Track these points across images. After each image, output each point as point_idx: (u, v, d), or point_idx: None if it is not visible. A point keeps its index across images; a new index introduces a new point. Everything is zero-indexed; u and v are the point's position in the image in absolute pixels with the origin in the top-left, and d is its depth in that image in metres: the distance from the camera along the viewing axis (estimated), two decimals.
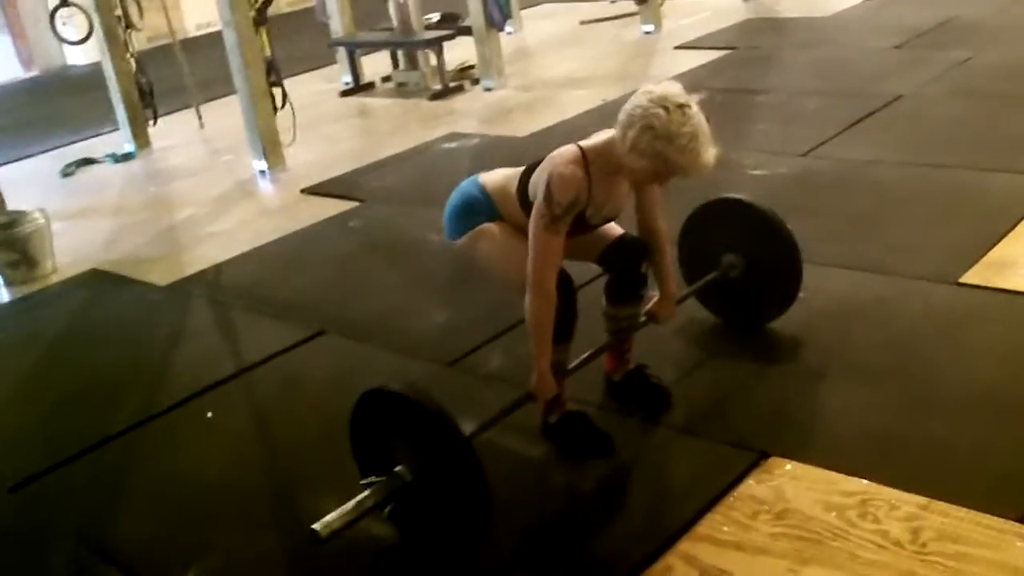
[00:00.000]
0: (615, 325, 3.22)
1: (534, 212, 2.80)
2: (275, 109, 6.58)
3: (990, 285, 3.76)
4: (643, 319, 3.23)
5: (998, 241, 4.08)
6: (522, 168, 2.99)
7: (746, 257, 3.54)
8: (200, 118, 7.96)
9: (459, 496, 2.58)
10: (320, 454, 3.30)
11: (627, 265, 3.11)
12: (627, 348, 3.30)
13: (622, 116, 2.74)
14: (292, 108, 6.61)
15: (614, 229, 3.11)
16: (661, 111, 2.66)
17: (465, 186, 3.13)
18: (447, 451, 2.55)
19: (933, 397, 3.16)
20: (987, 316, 3.60)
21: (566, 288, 2.90)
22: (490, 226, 3.03)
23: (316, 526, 2.52)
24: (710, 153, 2.72)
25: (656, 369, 3.36)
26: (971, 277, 3.83)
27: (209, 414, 3.70)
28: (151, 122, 7.52)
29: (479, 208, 3.05)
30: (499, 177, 3.07)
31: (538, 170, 2.87)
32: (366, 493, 2.63)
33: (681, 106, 2.68)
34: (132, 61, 7.37)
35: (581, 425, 3.10)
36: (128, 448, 3.58)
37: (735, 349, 3.60)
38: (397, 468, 2.65)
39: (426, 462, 2.61)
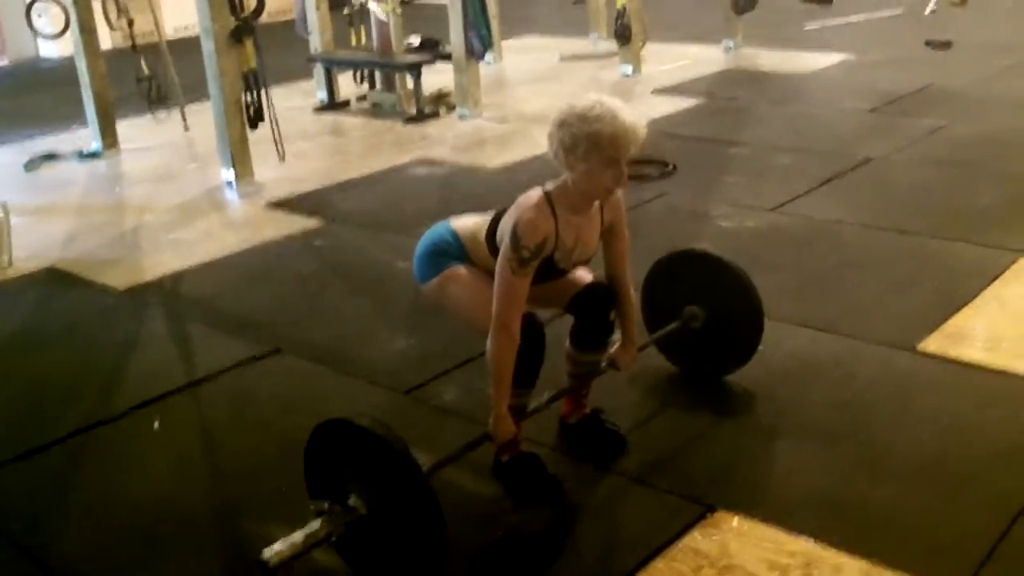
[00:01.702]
0: (578, 370, 3.22)
1: (501, 255, 2.79)
2: (257, 121, 6.50)
3: (946, 355, 3.80)
4: (604, 364, 3.22)
5: (957, 311, 4.12)
6: (492, 214, 2.97)
7: (708, 310, 3.54)
8: (185, 120, 7.87)
9: (414, 534, 2.54)
10: (267, 475, 3.26)
11: (596, 312, 3.10)
12: (584, 392, 3.29)
13: (550, 150, 2.81)
14: (276, 124, 6.52)
15: (583, 276, 3.10)
16: (566, 109, 2.75)
17: (436, 229, 3.12)
18: (406, 488, 2.51)
19: (883, 462, 3.17)
20: (941, 386, 3.62)
21: (536, 334, 2.88)
22: (459, 269, 3.02)
23: (266, 554, 2.47)
24: (631, 116, 2.73)
25: (611, 415, 3.34)
26: (928, 345, 3.86)
27: (156, 424, 3.64)
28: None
29: (449, 251, 3.04)
30: (470, 223, 3.07)
31: (505, 216, 2.86)
32: (317, 524, 2.58)
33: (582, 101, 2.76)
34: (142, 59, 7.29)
35: (532, 467, 3.07)
36: (72, 454, 3.51)
37: (691, 400, 3.60)
38: (351, 500, 2.61)
39: (383, 497, 2.58)
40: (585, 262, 3.04)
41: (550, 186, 2.86)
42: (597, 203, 2.93)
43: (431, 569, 2.58)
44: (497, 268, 2.79)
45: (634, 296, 3.20)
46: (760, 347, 3.58)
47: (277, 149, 6.55)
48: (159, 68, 7.75)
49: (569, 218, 2.85)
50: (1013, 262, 4.56)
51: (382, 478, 2.57)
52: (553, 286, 3.01)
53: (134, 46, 7.42)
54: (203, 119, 7.88)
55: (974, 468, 3.11)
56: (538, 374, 2.97)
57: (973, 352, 3.81)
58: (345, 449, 2.65)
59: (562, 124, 2.75)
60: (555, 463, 3.17)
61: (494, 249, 2.88)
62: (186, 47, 8.97)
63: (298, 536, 2.53)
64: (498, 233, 2.88)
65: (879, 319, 4.13)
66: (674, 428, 3.45)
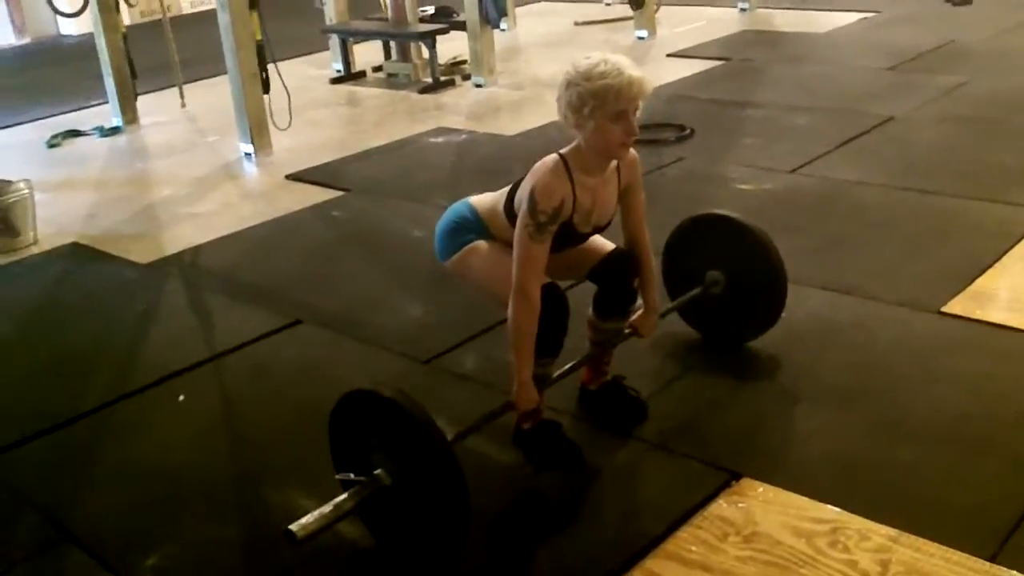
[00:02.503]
0: (600, 337, 3.21)
1: (519, 222, 2.78)
2: (264, 91, 6.51)
3: (971, 316, 3.77)
4: (627, 332, 3.22)
5: (982, 272, 4.09)
6: (508, 188, 2.97)
7: (730, 275, 3.53)
8: (183, 97, 7.89)
9: (439, 504, 2.55)
10: (288, 446, 3.28)
11: (619, 279, 3.09)
12: (606, 360, 3.29)
13: (559, 114, 2.83)
14: (288, 93, 6.54)
15: (604, 244, 3.09)
16: (570, 70, 2.76)
17: (455, 208, 3.11)
18: (432, 460, 2.52)
19: (906, 424, 3.15)
20: (965, 347, 3.59)
21: (558, 303, 2.87)
22: (480, 243, 3.01)
23: (293, 527, 2.48)
24: (636, 70, 2.73)
25: (632, 381, 3.34)
26: (953, 307, 3.83)
27: (181, 397, 3.67)
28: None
29: (469, 227, 3.04)
30: (488, 199, 3.07)
31: (522, 184, 2.85)
32: (345, 496, 2.60)
33: (586, 60, 2.75)
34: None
35: (553, 435, 3.08)
36: (98, 426, 3.54)
37: (711, 366, 3.59)
38: (377, 471, 2.62)
39: (409, 468, 2.58)
40: (604, 227, 3.02)
41: (564, 150, 2.85)
42: (613, 165, 2.92)
43: (454, 538, 2.59)
44: (516, 235, 2.78)
45: (654, 261, 3.19)
46: (783, 313, 3.56)
47: (288, 118, 6.55)
48: (150, 49, 7.73)
49: (585, 180, 2.84)
50: None
51: (407, 449, 2.58)
52: (574, 253, 3.00)
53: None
54: (204, 94, 7.92)
55: (998, 429, 3.09)
56: (562, 343, 2.96)
57: (997, 313, 3.78)
58: (370, 420, 2.66)
59: (568, 85, 2.74)
60: (576, 430, 3.17)
61: (513, 219, 2.86)
62: (199, 21, 8.99)
63: (326, 509, 2.54)
64: (515, 201, 2.87)
65: (901, 281, 4.10)
66: (695, 394, 3.45)
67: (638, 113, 2.77)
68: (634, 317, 3.20)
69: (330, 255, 4.92)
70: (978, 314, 3.77)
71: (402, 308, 4.25)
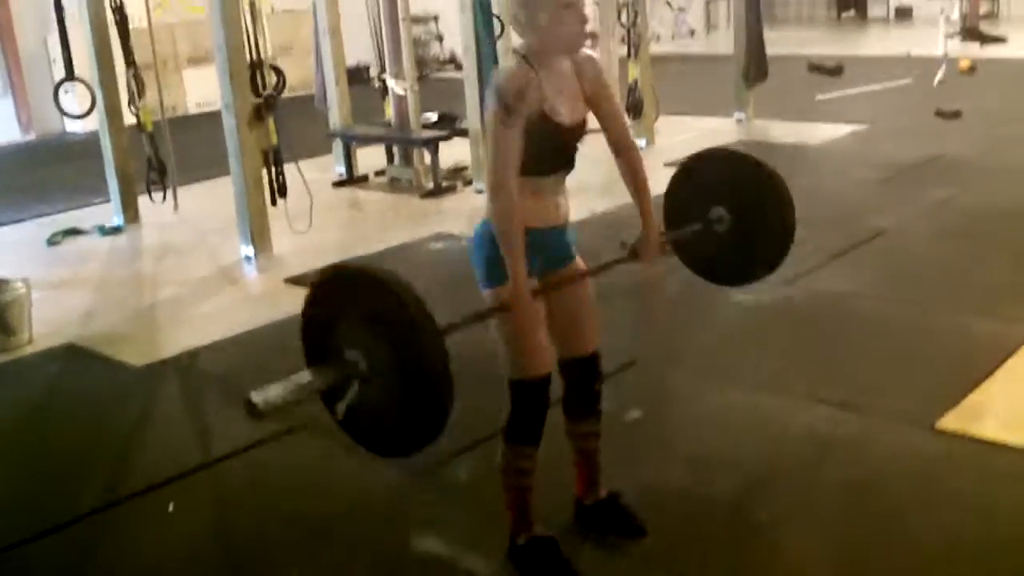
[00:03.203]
0: (579, 442, 3.20)
1: (488, 115, 2.79)
2: (280, 195, 6.62)
3: (966, 433, 3.77)
4: (627, 255, 3.15)
5: (975, 387, 4.10)
6: None
7: (735, 211, 3.41)
8: (176, 199, 7.95)
9: (420, 391, 2.45)
10: (282, 559, 3.25)
11: (583, 381, 3.12)
12: (596, 470, 3.27)
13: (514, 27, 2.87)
14: (310, 193, 6.57)
15: (591, 336, 3.09)
16: None
17: (484, 226, 2.97)
18: (415, 341, 2.43)
19: (903, 544, 3.14)
20: (960, 465, 3.59)
21: (542, 392, 2.91)
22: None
23: (254, 397, 2.42)
24: None
25: (629, 496, 3.32)
26: (947, 423, 3.84)
27: (171, 507, 3.64)
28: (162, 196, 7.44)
29: (499, 261, 2.88)
30: None
31: None
32: (314, 372, 2.54)
33: None
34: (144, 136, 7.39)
35: (548, 551, 3.05)
36: (87, 534, 3.51)
37: (708, 480, 3.58)
38: (348, 355, 2.52)
39: (390, 348, 2.48)
40: (581, 121, 2.97)
41: (522, 49, 2.87)
42: (572, 72, 2.92)
43: (433, 431, 2.54)
44: (487, 130, 2.79)
45: (647, 178, 3.16)
46: (774, 430, 3.56)
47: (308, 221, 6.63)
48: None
49: (548, 72, 2.85)
50: None
51: (384, 329, 2.47)
52: (567, 330, 3.03)
53: (139, 124, 7.42)
54: (206, 194, 8.01)
55: (996, 550, 3.08)
56: (541, 431, 2.96)
57: (992, 430, 3.79)
58: (345, 305, 2.57)
59: None
60: (571, 544, 3.14)
61: None
62: (204, 122, 9.14)
63: (290, 382, 2.47)
64: None
65: (895, 396, 4.12)
66: (690, 510, 3.43)
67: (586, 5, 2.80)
68: (634, 241, 3.16)
69: None
70: (972, 431, 3.78)
71: None
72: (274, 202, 6.60)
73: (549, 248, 2.98)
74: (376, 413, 2.56)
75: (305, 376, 2.51)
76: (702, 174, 3.52)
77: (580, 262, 3.10)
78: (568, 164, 3.00)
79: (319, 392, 2.54)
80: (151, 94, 7.45)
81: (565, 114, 2.90)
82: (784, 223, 3.42)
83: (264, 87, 6.48)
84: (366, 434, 2.63)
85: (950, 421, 3.86)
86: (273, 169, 6.58)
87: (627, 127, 3.13)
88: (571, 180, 2.96)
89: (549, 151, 2.88)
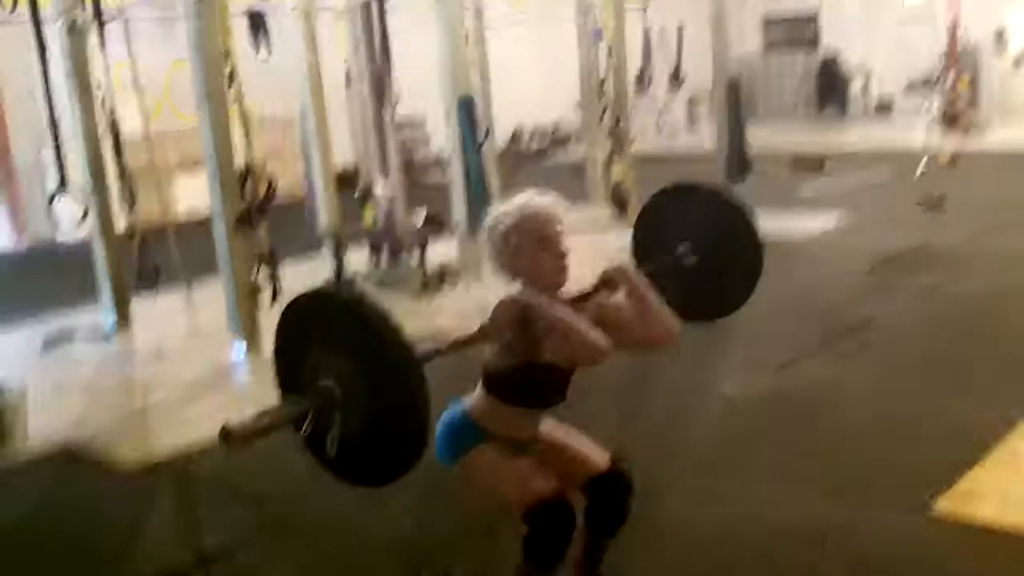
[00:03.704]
0: (589, 548, 3.18)
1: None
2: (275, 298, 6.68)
3: (961, 518, 3.78)
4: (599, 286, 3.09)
5: (968, 470, 4.12)
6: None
7: (703, 245, 3.45)
8: (189, 291, 8.02)
9: (397, 415, 2.43)
10: None
11: (612, 500, 3.09)
12: (596, 570, 3.24)
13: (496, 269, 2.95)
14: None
15: (600, 458, 3.11)
16: (485, 226, 2.92)
17: (450, 413, 3.09)
18: (394, 366, 2.42)
19: None
20: (958, 551, 3.59)
21: (557, 510, 2.87)
22: (481, 449, 2.99)
23: (229, 425, 2.41)
24: (546, 199, 2.89)
25: None
26: (942, 509, 3.85)
27: None
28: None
29: (464, 430, 3.02)
30: (474, 394, 3.10)
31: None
32: (288, 400, 2.54)
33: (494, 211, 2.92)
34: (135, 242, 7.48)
35: None
36: None
37: (702, 570, 3.56)
38: (324, 383, 2.51)
39: (365, 377, 2.46)
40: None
41: (513, 291, 2.91)
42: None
43: (406, 460, 2.51)
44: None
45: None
46: (770, 518, 3.56)
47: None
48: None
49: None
50: (1021, 419, 4.57)
51: (365, 357, 2.46)
52: (570, 467, 3.05)
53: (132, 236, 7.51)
54: (198, 298, 8.05)
55: None
56: (560, 558, 2.92)
57: (988, 512, 3.80)
58: (316, 332, 2.56)
59: (489, 235, 2.90)
60: None
61: (496, 389, 2.95)
62: (193, 229, 9.24)
63: (265, 410, 2.48)
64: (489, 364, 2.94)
65: (888, 483, 4.13)
66: None
67: (563, 236, 2.88)
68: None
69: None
70: (968, 516, 3.78)
71: (392, 516, 4.22)
72: (272, 303, 6.64)
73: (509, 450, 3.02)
74: (350, 441, 2.55)
75: (278, 404, 2.52)
76: (669, 210, 3.56)
77: (546, 426, 3.13)
78: (563, 395, 3.05)
79: (291, 421, 2.54)
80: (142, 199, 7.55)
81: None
82: (753, 253, 3.47)
83: (255, 194, 6.58)
84: (341, 463, 2.61)
85: (945, 506, 3.86)
86: (267, 272, 6.63)
87: (664, 317, 3.06)
88: None
89: (544, 382, 2.95)
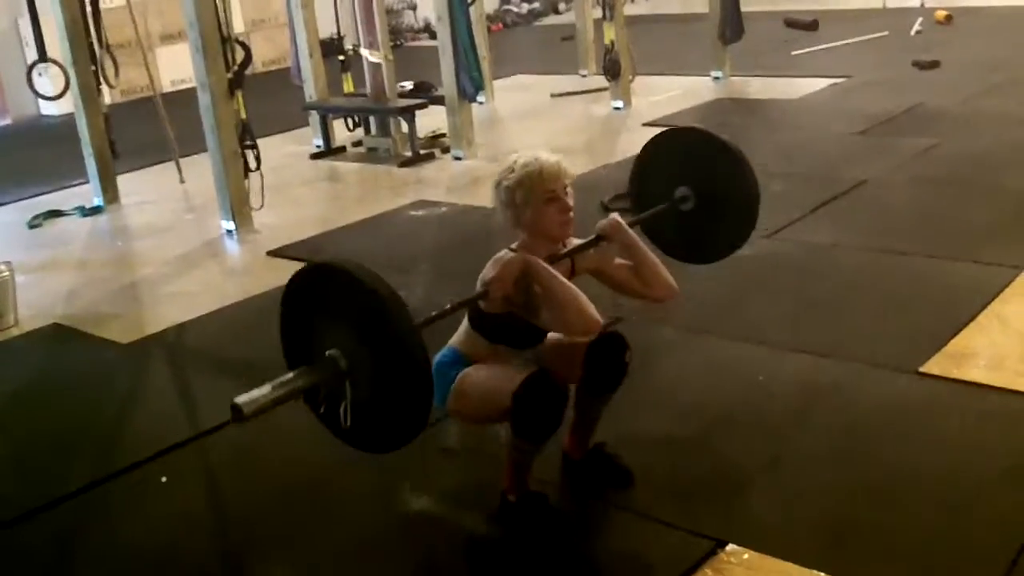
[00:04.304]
0: (586, 412, 3.23)
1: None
2: (248, 170, 6.59)
3: (949, 376, 3.80)
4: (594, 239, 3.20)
5: (958, 331, 4.13)
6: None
7: (700, 190, 3.50)
8: (180, 172, 7.93)
9: (397, 387, 2.49)
10: (274, 523, 3.28)
11: (611, 357, 3.12)
12: (592, 432, 3.29)
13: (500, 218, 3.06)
14: (261, 174, 6.61)
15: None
16: (495, 177, 3.05)
17: (440, 356, 3.10)
18: (393, 337, 2.47)
19: (889, 486, 3.18)
20: (944, 408, 3.63)
21: (555, 390, 2.89)
22: (467, 371, 3.03)
23: (239, 401, 2.46)
24: (552, 156, 3.01)
25: (616, 448, 3.35)
26: (931, 367, 3.87)
27: (164, 479, 3.65)
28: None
29: (454, 363, 3.06)
30: (460, 331, 3.14)
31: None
32: (295, 373, 2.58)
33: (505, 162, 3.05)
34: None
35: (539, 507, 3.09)
36: (81, 510, 3.53)
37: (694, 431, 3.61)
38: (329, 353, 2.56)
39: (367, 349, 2.52)
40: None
41: (514, 245, 3.02)
42: (567, 266, 3.07)
43: (412, 426, 2.57)
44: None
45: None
46: (760, 376, 3.59)
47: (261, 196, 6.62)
48: (135, 128, 7.80)
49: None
50: (1013, 279, 4.57)
51: (366, 327, 2.51)
52: (560, 357, 3.10)
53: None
54: (201, 170, 7.96)
55: (982, 489, 3.12)
56: (549, 434, 2.94)
57: (976, 372, 3.82)
58: (323, 301, 2.61)
59: (497, 186, 3.02)
60: (562, 501, 3.19)
61: (482, 330, 3.02)
62: (180, 100, 9.09)
63: (275, 383, 2.52)
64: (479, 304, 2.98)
65: (879, 343, 4.14)
66: (678, 460, 3.46)
67: (569, 193, 2.98)
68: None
69: None
70: (956, 374, 3.81)
71: None
72: (246, 175, 6.56)
73: None
74: (361, 410, 2.60)
75: (288, 377, 2.56)
76: (664, 155, 3.62)
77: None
78: (541, 341, 3.13)
79: (301, 392, 2.59)
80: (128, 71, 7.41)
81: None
82: (748, 196, 3.51)
83: (233, 63, 6.44)
84: (350, 431, 2.67)
85: (934, 365, 3.88)
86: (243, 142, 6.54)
87: (661, 276, 3.17)
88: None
89: (526, 331, 3.03)
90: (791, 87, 9.41)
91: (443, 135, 8.30)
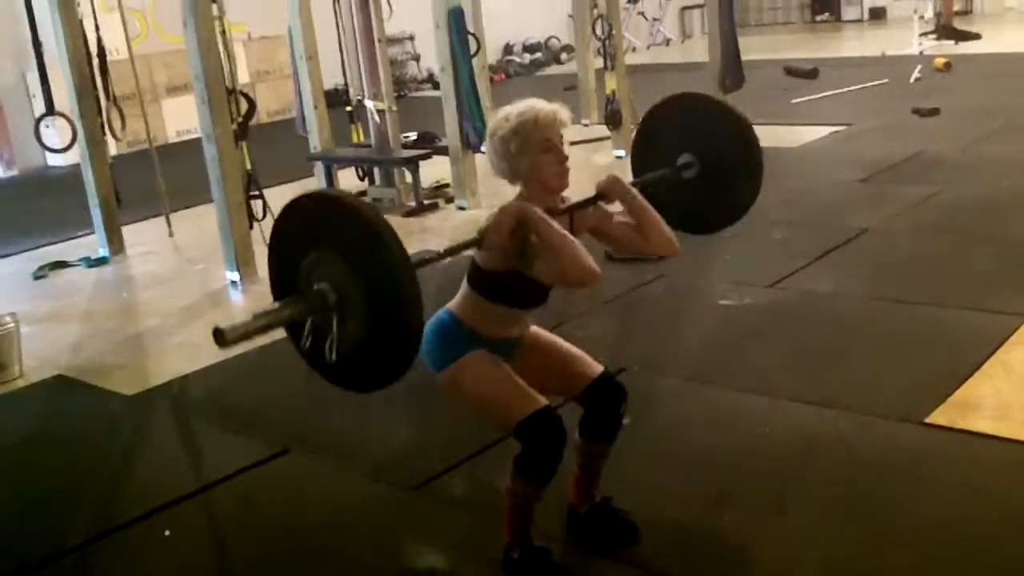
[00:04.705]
0: (587, 461, 3.20)
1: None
2: (253, 220, 6.63)
3: (956, 427, 3.78)
4: (593, 198, 3.11)
5: (963, 381, 4.12)
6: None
7: (704, 157, 3.41)
8: (170, 226, 7.96)
9: (390, 320, 2.43)
10: None
11: (607, 406, 3.10)
12: (596, 484, 3.28)
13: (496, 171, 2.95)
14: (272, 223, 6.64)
15: (593, 366, 3.11)
16: (488, 128, 2.93)
17: (438, 317, 3.09)
18: (386, 265, 2.41)
19: (894, 532, 3.17)
20: (952, 458, 3.61)
21: (557, 430, 2.87)
22: (468, 360, 2.96)
23: (222, 326, 2.40)
24: (549, 104, 2.88)
25: (621, 502, 3.33)
26: (936, 417, 3.85)
27: (167, 532, 3.64)
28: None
29: (454, 338, 3.00)
30: (459, 295, 3.09)
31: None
32: (283, 302, 2.53)
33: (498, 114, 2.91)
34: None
35: (543, 562, 3.06)
36: (84, 563, 3.52)
37: (697, 484, 3.60)
38: (319, 286, 2.50)
39: (357, 277, 2.46)
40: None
41: (512, 201, 2.91)
42: (566, 222, 2.96)
43: (397, 366, 2.53)
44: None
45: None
46: (765, 428, 3.58)
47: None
48: (137, 178, 7.85)
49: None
50: (1017, 327, 4.56)
51: (357, 256, 2.46)
52: (562, 372, 3.07)
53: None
54: (190, 222, 8.01)
55: (988, 535, 3.11)
56: (555, 470, 2.92)
57: (982, 422, 3.81)
58: (314, 233, 2.55)
59: (491, 137, 2.89)
60: (566, 556, 3.16)
61: (482, 290, 2.96)
62: (184, 150, 9.15)
63: (259, 311, 2.47)
64: (477, 259, 2.96)
65: (883, 392, 4.13)
66: (684, 512, 3.44)
67: (565, 141, 2.89)
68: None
69: (317, 379, 4.91)
70: (962, 424, 3.80)
71: (389, 431, 4.26)
72: (251, 225, 6.60)
73: (497, 349, 3.02)
74: (346, 346, 2.53)
75: (273, 306, 2.51)
76: (665, 122, 3.53)
77: (533, 329, 3.15)
78: (543, 301, 3.05)
79: (285, 324, 2.53)
80: (133, 122, 7.47)
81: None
82: (752, 162, 3.44)
83: (237, 114, 6.51)
84: (334, 367, 2.59)
85: (940, 416, 3.87)
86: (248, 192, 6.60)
87: (663, 231, 3.10)
88: None
89: (527, 289, 2.95)
90: (792, 135, 9.46)
91: (447, 185, 8.35)
